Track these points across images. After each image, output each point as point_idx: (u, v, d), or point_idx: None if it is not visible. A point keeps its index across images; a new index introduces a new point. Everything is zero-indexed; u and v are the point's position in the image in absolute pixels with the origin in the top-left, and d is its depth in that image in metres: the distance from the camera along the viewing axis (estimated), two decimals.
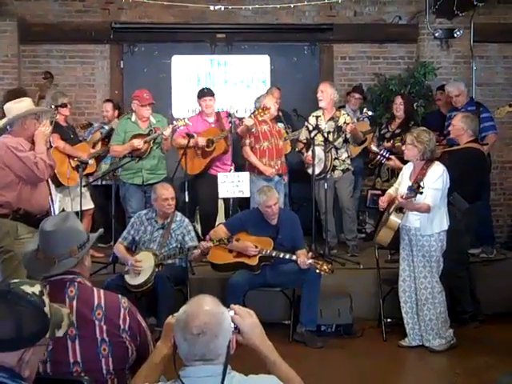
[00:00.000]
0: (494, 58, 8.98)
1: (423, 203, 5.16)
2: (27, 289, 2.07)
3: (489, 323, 5.99)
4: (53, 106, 6.46)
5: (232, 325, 2.28)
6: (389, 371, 5.14)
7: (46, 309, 2.08)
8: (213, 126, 6.89)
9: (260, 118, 6.68)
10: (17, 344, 1.98)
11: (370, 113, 7.64)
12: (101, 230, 2.99)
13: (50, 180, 6.25)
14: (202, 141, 6.71)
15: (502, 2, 8.68)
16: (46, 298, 2.10)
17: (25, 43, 8.49)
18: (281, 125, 7.39)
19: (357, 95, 8.06)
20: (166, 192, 5.75)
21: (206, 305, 2.19)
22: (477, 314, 6.03)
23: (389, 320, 5.81)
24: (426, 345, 5.39)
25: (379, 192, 7.62)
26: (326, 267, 5.42)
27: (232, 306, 2.34)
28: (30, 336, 2.00)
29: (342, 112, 7.14)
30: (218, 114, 6.91)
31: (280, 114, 7.66)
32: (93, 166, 6.91)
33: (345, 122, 6.96)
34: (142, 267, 5.49)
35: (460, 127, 5.86)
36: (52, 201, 6.23)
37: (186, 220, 5.93)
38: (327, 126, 6.99)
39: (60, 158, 6.54)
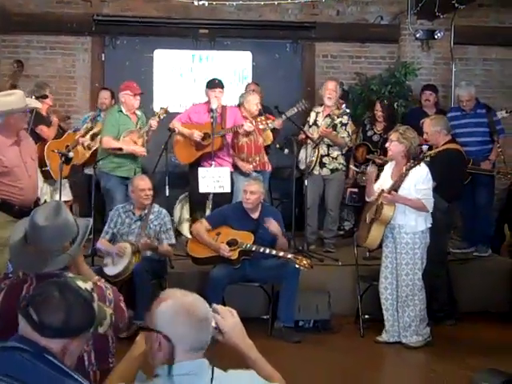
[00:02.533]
0: (473, 60, 9.09)
1: (417, 200, 5.24)
2: (81, 284, 2.22)
3: (464, 321, 6.07)
4: (33, 97, 6.41)
5: (213, 324, 2.29)
6: (366, 366, 5.19)
7: (95, 305, 2.20)
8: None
9: (261, 127, 6.69)
10: (64, 332, 2.08)
11: (347, 110, 7.68)
12: (89, 219, 2.94)
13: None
14: (197, 136, 6.60)
15: (482, 5, 8.77)
16: (95, 295, 2.25)
17: (5, 33, 8.39)
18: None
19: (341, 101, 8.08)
20: (143, 182, 5.78)
21: (189, 294, 2.20)
22: (453, 313, 6.11)
23: (366, 316, 5.87)
24: (403, 341, 5.45)
25: (356, 190, 7.76)
26: (305, 262, 5.45)
27: (214, 305, 2.34)
28: (76, 327, 2.11)
29: (342, 111, 7.17)
30: (224, 108, 6.79)
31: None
32: (76, 157, 6.84)
33: (341, 121, 7.03)
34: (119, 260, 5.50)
35: (434, 131, 5.93)
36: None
37: (164, 211, 5.96)
38: (324, 122, 7.05)
39: (52, 153, 6.57)
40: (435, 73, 8.92)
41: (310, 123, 7.17)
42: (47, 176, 6.70)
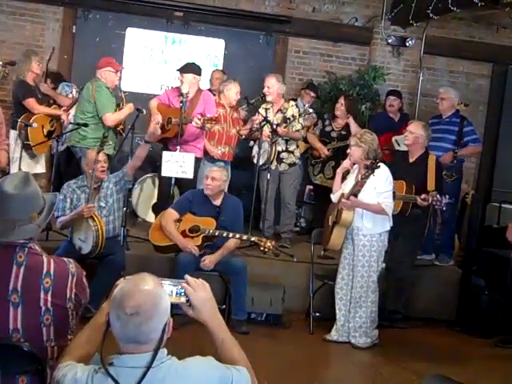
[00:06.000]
0: (440, 71, 9.26)
1: (377, 204, 5.31)
2: None
3: (412, 327, 6.18)
4: (1, 63, 6.30)
5: (183, 298, 2.26)
6: (312, 362, 5.25)
7: None
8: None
9: (206, 126, 6.44)
10: None
11: (310, 110, 7.72)
12: (56, 194, 2.92)
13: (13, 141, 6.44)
14: (155, 123, 6.36)
15: (455, 18, 8.92)
16: None
17: None
18: None
19: (312, 93, 8.10)
20: (98, 155, 5.61)
21: (144, 284, 2.12)
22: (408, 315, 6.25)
23: (317, 314, 5.93)
24: (351, 341, 5.53)
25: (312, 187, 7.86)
26: (269, 244, 5.45)
27: (186, 276, 2.30)
28: None
29: (291, 103, 7.18)
30: (198, 92, 6.68)
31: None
32: (38, 130, 6.71)
33: (293, 115, 7.02)
34: (85, 234, 5.40)
35: (419, 135, 5.98)
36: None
37: (114, 173, 5.84)
38: (275, 118, 7.03)
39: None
40: (403, 79, 9.04)
41: (261, 118, 6.93)
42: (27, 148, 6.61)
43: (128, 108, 6.57)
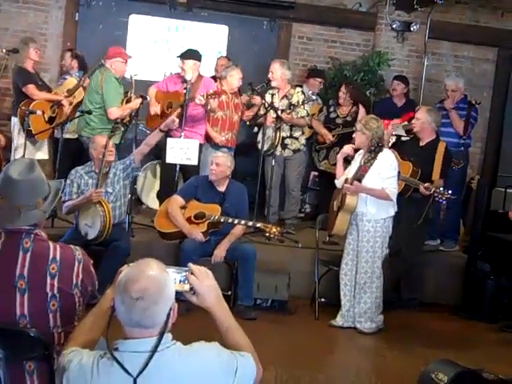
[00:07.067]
0: (445, 56, 9.19)
1: (381, 189, 5.30)
2: None
3: (417, 312, 6.20)
4: (4, 50, 6.29)
5: (187, 286, 2.27)
6: (317, 347, 5.25)
7: None
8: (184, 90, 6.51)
9: (209, 102, 6.46)
10: None
11: (313, 97, 7.68)
12: (61, 181, 2.93)
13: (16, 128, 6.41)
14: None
15: (459, 2, 8.86)
16: None
17: None
18: None
19: (320, 79, 8.02)
20: (105, 139, 5.65)
21: (149, 269, 2.14)
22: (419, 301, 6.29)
23: (322, 300, 5.93)
24: (357, 326, 5.54)
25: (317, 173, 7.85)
26: (274, 230, 5.47)
27: (190, 264, 2.32)
28: None
29: (297, 90, 7.15)
30: (199, 78, 6.65)
31: None
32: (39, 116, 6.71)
33: (298, 101, 7.00)
34: (92, 219, 5.41)
35: (425, 120, 5.98)
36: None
37: (122, 160, 5.87)
38: (281, 103, 7.01)
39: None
40: (407, 65, 8.99)
41: (266, 105, 6.95)
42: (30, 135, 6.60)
43: (134, 104, 6.54)
